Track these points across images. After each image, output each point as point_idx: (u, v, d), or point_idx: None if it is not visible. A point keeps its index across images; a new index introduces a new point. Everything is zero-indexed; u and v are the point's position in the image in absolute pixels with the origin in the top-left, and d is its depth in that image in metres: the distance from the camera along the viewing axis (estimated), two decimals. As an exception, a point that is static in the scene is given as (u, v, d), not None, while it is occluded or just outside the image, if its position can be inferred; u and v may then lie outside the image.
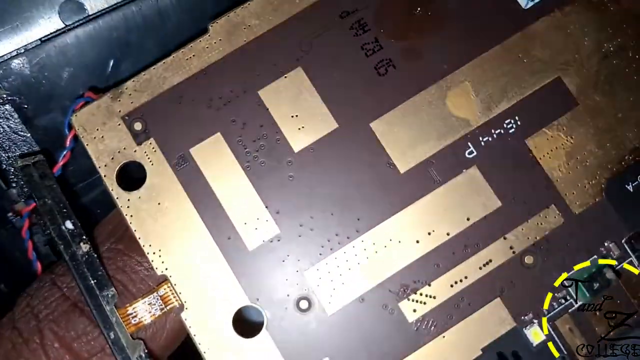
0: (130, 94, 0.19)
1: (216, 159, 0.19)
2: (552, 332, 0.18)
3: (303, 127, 0.19)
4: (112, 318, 0.18)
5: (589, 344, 0.18)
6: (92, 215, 0.23)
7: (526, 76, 0.19)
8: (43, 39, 0.21)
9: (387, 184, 0.19)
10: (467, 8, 0.19)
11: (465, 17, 0.19)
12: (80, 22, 0.22)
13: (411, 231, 0.18)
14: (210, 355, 0.18)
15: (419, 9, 0.19)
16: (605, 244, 0.18)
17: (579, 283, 0.18)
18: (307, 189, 0.19)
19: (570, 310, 0.18)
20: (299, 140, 0.19)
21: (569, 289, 0.18)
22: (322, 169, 0.19)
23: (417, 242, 0.18)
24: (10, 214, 0.23)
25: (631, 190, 0.18)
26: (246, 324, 0.18)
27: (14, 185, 0.22)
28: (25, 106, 0.22)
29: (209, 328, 0.18)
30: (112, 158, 0.19)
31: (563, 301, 0.18)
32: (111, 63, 0.22)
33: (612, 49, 0.19)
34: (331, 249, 0.18)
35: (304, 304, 0.18)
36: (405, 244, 0.18)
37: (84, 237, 0.19)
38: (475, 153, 0.19)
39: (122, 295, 0.18)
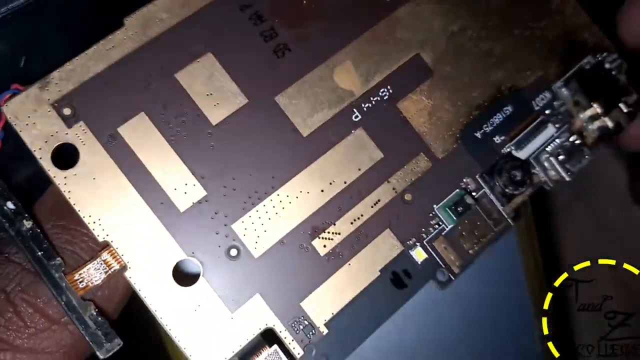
0: (57, 83, 0.21)
1: (143, 135, 0.22)
2: (432, 252, 0.23)
3: (218, 103, 0.22)
4: (62, 284, 0.20)
5: (459, 258, 0.23)
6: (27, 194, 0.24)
7: (393, 53, 0.24)
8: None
9: (294, 146, 0.23)
10: (339, 1, 0.24)
11: (341, 7, 0.24)
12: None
13: (316, 183, 0.23)
14: (155, 306, 0.21)
15: (304, 1, 0.24)
16: (464, 180, 0.24)
17: (446, 209, 0.23)
18: (227, 156, 0.22)
19: (443, 234, 0.23)
20: (215, 114, 0.22)
21: (439, 216, 0.23)
22: (238, 137, 0.22)
23: (322, 191, 0.23)
24: None
25: (479, 136, 0.24)
26: (185, 277, 0.21)
27: None
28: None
29: (152, 283, 0.21)
30: (46, 141, 0.21)
31: (437, 226, 0.23)
32: (23, 59, 0.24)
33: (455, 29, 0.25)
34: (252, 204, 0.22)
35: (233, 252, 0.22)
36: (312, 194, 0.23)
37: (26, 215, 0.21)
38: (360, 117, 0.23)
39: (78, 264, 0.21)
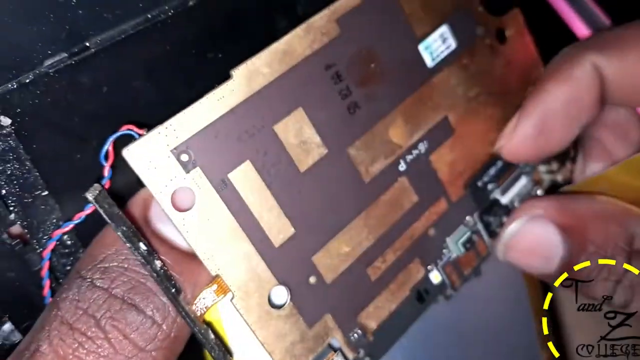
0: (174, 130, 0.24)
1: (248, 181, 0.25)
2: (443, 274, 0.31)
3: (305, 153, 0.27)
4: (192, 315, 0.23)
5: (458, 278, 0.31)
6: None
7: (430, 113, 0.30)
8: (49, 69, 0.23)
9: (358, 191, 0.28)
10: (398, 66, 0.29)
11: (397, 71, 0.29)
12: (81, 52, 0.24)
13: (372, 222, 0.28)
14: (255, 326, 0.25)
15: (372, 64, 0.28)
16: (467, 218, 0.32)
17: (457, 243, 0.31)
18: (310, 198, 0.26)
19: (450, 260, 0.31)
20: (303, 163, 0.26)
21: (449, 247, 0.31)
22: (318, 183, 0.27)
23: (375, 229, 0.29)
24: (4, 236, 0.24)
25: (480, 185, 0.32)
26: (276, 302, 0.26)
27: (11, 209, 0.24)
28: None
29: (252, 307, 0.25)
30: (166, 186, 0.23)
31: (447, 254, 0.31)
32: (105, 89, 0.25)
33: (471, 95, 0.32)
34: (327, 240, 0.27)
35: (312, 279, 0.27)
36: (368, 231, 0.28)
37: (155, 254, 0.23)
38: (404, 167, 0.29)
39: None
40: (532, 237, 0.30)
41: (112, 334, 0.23)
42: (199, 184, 0.24)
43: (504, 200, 0.33)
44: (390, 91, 0.29)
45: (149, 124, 0.24)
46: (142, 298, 0.23)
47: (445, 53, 0.31)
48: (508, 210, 0.33)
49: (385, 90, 0.29)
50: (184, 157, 0.24)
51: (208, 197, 0.24)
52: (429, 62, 0.30)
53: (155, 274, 0.22)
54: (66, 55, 0.24)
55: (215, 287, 0.25)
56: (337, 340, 0.28)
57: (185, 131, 0.24)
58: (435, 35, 0.31)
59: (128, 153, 0.23)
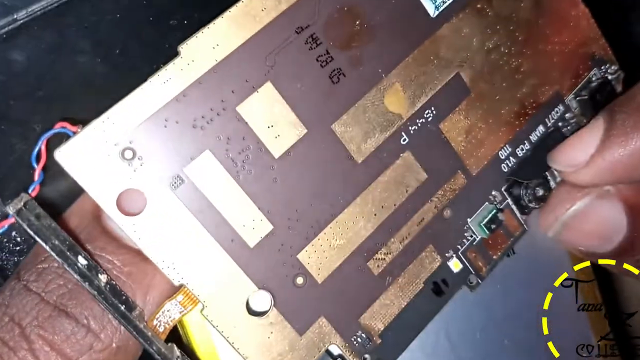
0: (113, 123, 0.20)
1: (209, 174, 0.21)
2: (465, 261, 0.26)
3: (279, 135, 0.22)
4: (148, 333, 0.20)
5: (486, 264, 0.26)
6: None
7: (437, 74, 0.25)
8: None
9: (349, 174, 0.23)
10: (391, 20, 0.24)
11: (390, 28, 0.24)
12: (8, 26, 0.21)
13: (370, 207, 0.24)
14: (233, 339, 0.22)
15: (357, 22, 0.23)
16: (492, 193, 0.26)
17: (481, 224, 0.26)
18: (290, 188, 0.22)
19: (473, 244, 0.26)
20: (277, 147, 0.22)
21: (471, 229, 0.26)
22: (299, 169, 0.22)
23: (375, 215, 0.24)
24: None
25: (507, 153, 0.26)
26: (257, 308, 0.22)
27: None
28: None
29: (228, 318, 0.21)
30: (109, 189, 0.20)
31: (470, 238, 0.26)
32: (45, 66, 0.22)
33: (491, 46, 0.26)
34: (314, 233, 0.23)
35: (299, 280, 0.23)
36: (366, 218, 0.24)
37: (99, 268, 0.20)
38: (407, 140, 0.24)
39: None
40: (598, 218, 0.25)
41: (36, 344, 0.20)
42: (148, 184, 0.20)
43: (539, 168, 0.26)
44: (383, 52, 0.24)
45: (101, 104, 0.20)
46: (77, 304, 0.20)
47: (453, -3, 0.25)
48: (544, 179, 0.27)
49: (376, 52, 0.23)
50: (128, 154, 0.20)
51: (161, 198, 0.20)
52: (432, 11, 0.24)
53: (96, 292, 0.19)
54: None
55: (180, 297, 0.21)
56: (336, 346, 0.23)
57: (126, 123, 0.20)
58: (441, -24, 0.25)
59: (60, 155, 0.19)
